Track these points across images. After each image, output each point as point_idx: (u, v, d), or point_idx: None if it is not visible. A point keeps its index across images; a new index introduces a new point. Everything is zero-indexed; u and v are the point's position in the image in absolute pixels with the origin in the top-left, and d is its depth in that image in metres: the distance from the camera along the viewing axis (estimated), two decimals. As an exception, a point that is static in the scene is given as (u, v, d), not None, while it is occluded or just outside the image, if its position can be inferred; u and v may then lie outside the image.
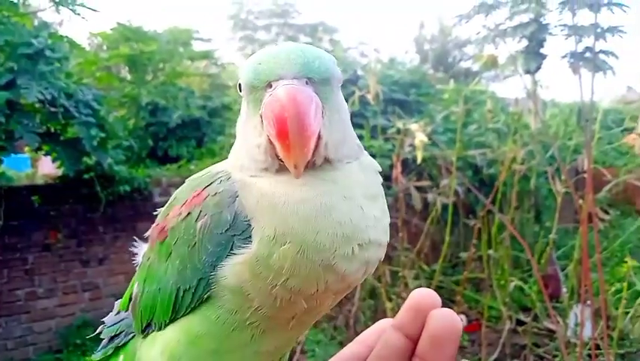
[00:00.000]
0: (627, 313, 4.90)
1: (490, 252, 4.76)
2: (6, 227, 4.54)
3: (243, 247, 0.54)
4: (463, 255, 4.92)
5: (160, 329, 0.61)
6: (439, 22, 23.27)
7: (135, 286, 0.67)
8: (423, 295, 0.51)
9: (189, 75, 9.98)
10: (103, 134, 4.62)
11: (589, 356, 3.64)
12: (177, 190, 0.67)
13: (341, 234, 0.53)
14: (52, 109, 4.17)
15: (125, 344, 0.70)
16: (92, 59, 7.70)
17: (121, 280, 5.36)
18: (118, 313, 0.73)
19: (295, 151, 0.50)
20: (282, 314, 0.56)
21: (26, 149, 6.52)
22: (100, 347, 0.74)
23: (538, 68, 9.91)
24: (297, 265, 0.52)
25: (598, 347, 3.91)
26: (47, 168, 6.07)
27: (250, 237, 0.54)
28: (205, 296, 0.56)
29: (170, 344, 0.59)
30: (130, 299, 0.69)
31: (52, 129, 4.58)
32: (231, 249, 0.54)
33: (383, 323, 0.56)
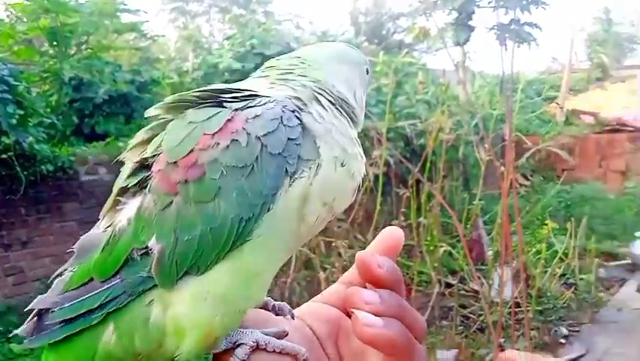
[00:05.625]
0: (546, 272, 5.22)
1: (421, 219, 4.91)
2: None
3: (307, 167, 0.56)
4: (395, 223, 5.05)
5: (204, 272, 0.56)
6: (373, -6, 23.30)
7: (152, 242, 0.56)
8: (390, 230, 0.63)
9: (116, 49, 9.53)
10: (21, 112, 4.39)
11: (509, 313, 3.85)
12: (170, 128, 0.59)
13: (362, 159, 0.63)
14: (-38, 85, 3.92)
15: (114, 311, 0.56)
16: (8, 32, 7.23)
17: (47, 262, 5.17)
18: (65, 291, 0.58)
19: None
20: (308, 231, 0.59)
21: (-62, 128, 6.11)
22: (46, 333, 0.58)
23: (467, 39, 10.14)
24: (345, 185, 0.59)
25: (518, 305, 4.15)
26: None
27: (311, 158, 0.56)
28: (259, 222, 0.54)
29: (221, 280, 0.55)
30: (123, 264, 0.57)
31: (-36, 107, 4.30)
32: (294, 173, 0.55)
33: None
